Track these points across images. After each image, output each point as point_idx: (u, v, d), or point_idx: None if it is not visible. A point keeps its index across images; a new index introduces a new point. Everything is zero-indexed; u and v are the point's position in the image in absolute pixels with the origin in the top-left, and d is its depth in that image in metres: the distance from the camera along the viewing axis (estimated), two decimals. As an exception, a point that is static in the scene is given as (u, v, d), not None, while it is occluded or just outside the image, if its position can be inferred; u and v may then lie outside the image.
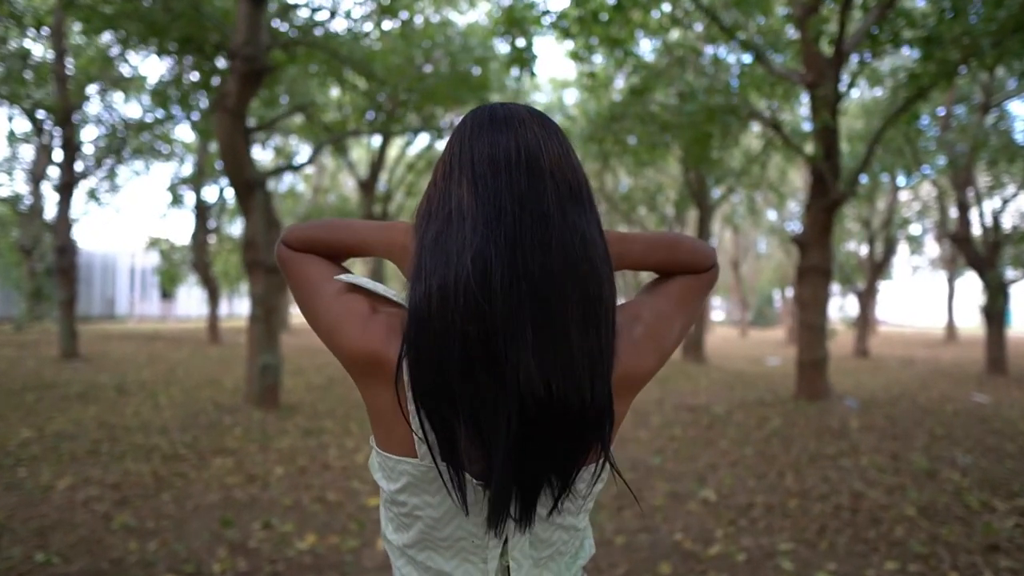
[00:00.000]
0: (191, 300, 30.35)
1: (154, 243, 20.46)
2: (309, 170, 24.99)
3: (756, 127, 11.77)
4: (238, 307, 33.56)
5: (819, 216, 7.41)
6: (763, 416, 6.83)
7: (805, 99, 11.85)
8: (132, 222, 52.05)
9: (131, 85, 13.25)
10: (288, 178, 25.33)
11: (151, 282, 29.18)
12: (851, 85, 7.73)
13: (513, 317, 0.73)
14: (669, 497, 4.17)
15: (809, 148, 7.58)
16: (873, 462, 4.89)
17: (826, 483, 4.37)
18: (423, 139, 15.23)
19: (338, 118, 12.82)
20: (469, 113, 0.88)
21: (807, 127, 9.80)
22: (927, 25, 6.49)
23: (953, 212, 14.83)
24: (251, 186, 7.31)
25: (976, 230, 13.13)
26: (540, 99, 15.23)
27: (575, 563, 0.90)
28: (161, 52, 9.29)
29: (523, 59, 8.55)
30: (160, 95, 9.95)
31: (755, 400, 8.09)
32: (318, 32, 9.46)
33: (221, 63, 8.58)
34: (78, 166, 14.09)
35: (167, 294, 29.91)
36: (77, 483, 4.54)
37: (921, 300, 42.58)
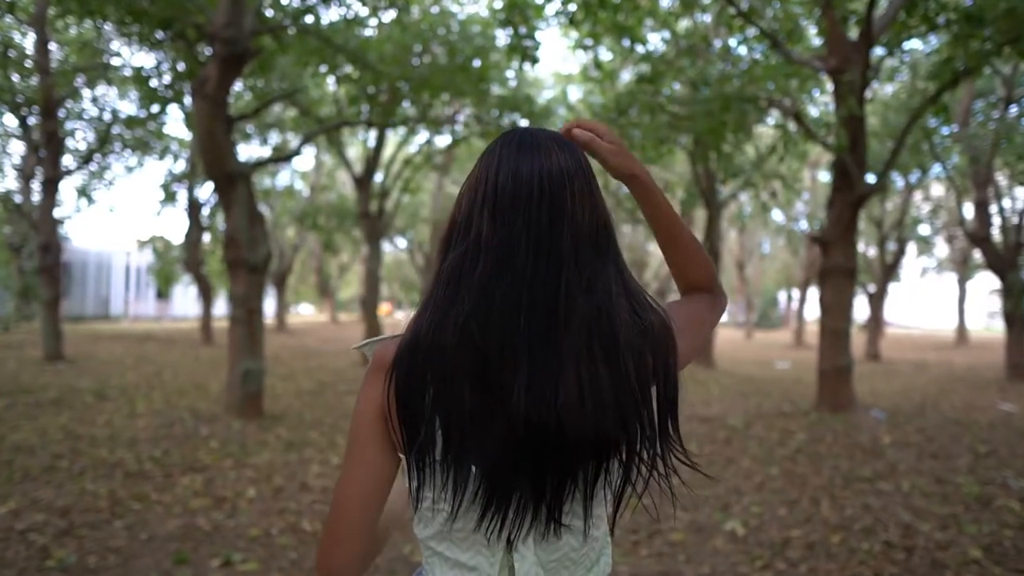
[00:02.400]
0: (187, 300, 29.86)
1: (146, 243, 19.95)
2: (307, 168, 24.55)
3: (770, 120, 11.28)
4: (235, 307, 33.02)
5: (843, 212, 6.88)
6: (785, 429, 6.30)
7: (817, 92, 11.39)
8: (128, 220, 51.51)
9: (117, 77, 12.72)
10: (286, 176, 24.88)
11: (147, 281, 28.70)
12: (872, 77, 7.20)
13: (508, 350, 0.79)
14: (690, 530, 3.65)
15: (831, 139, 7.05)
16: (916, 486, 4.37)
17: (868, 513, 3.84)
18: (420, 135, 14.72)
19: (332, 113, 12.32)
20: (499, 137, 0.91)
21: (818, 119, 9.27)
22: (962, 6, 5.97)
23: (967, 212, 14.26)
24: (232, 178, 6.80)
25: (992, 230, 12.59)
26: (543, 94, 14.70)
27: (588, 575, 0.92)
28: (142, 39, 8.80)
29: (524, 49, 8.05)
30: (142, 82, 9.43)
31: (774, 411, 7.56)
32: (310, 18, 8.95)
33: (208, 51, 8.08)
34: (64, 161, 13.65)
35: (162, 294, 29.43)
36: (22, 507, 4.03)
37: (928, 302, 42.04)
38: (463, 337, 0.79)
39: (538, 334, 0.79)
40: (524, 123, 10.51)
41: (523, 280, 0.80)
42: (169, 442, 5.86)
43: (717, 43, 10.83)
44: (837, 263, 6.94)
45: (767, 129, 13.67)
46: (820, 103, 11.66)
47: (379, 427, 0.87)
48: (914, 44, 12.64)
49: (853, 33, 6.69)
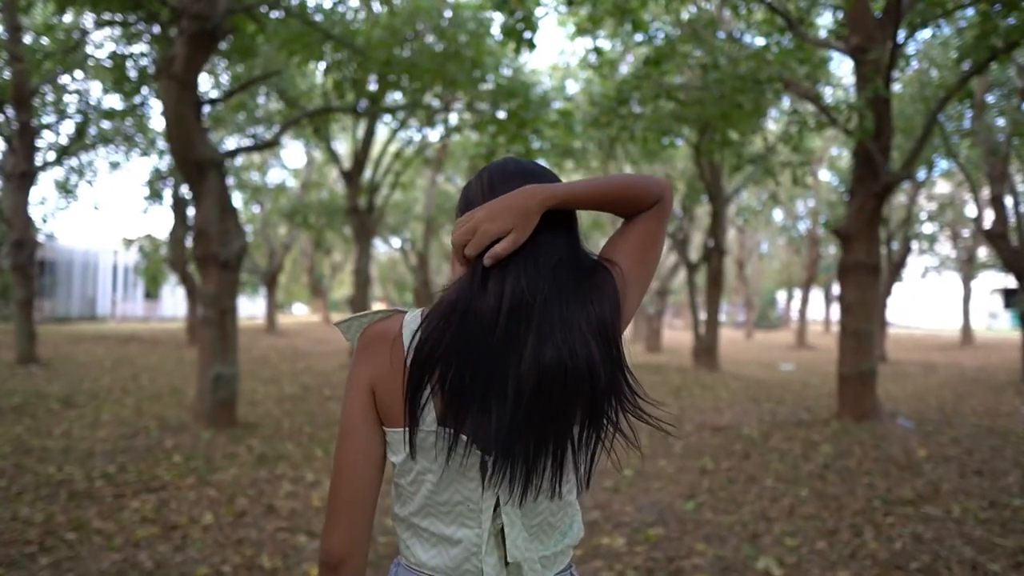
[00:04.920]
0: (176, 300, 29.20)
1: (131, 242, 19.32)
2: (298, 165, 23.90)
3: (774, 112, 10.74)
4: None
5: (866, 203, 6.34)
6: (807, 441, 5.75)
7: (822, 84, 10.84)
8: (115, 218, 50.64)
9: (94, 68, 12.12)
10: (279, 173, 24.23)
11: (135, 281, 28.04)
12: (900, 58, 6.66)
13: (536, 314, 0.88)
14: (716, 569, 3.09)
15: (851, 124, 6.51)
16: (968, 511, 3.83)
17: (922, 546, 3.30)
18: (411, 129, 14.14)
19: (319, 105, 11.75)
20: (486, 167, 1.04)
21: (835, 104, 8.74)
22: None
23: (980, 208, 13.74)
24: (202, 167, 6.24)
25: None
26: (539, 86, 14.13)
27: (563, 540, 0.98)
28: (112, 24, 8.24)
29: (520, 32, 7.50)
30: (120, 68, 8.84)
31: (791, 419, 7.01)
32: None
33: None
34: (41, 155, 13.07)
35: (151, 293, 28.78)
36: (-63, 538, 3.47)
37: (928, 302, 41.62)
38: (498, 304, 0.88)
39: (559, 303, 0.89)
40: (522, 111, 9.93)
41: (548, 268, 0.92)
42: (128, 456, 5.30)
43: (721, 35, 10.32)
44: (859, 259, 6.40)
45: (775, 120, 13.16)
46: (826, 93, 11.15)
47: (368, 401, 0.93)
48: (926, 33, 12.15)
49: (878, 5, 6.17)
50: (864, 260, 6.40)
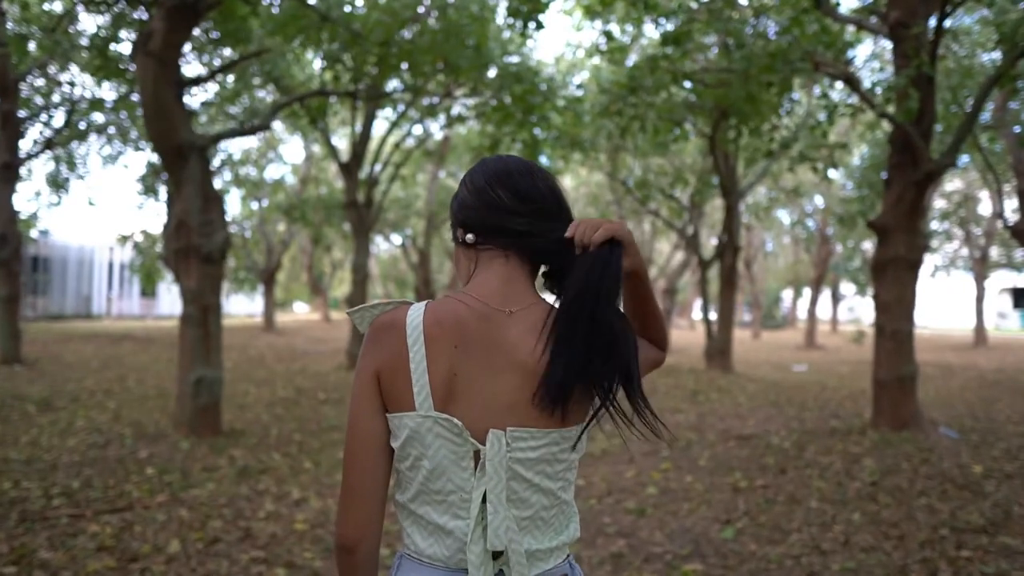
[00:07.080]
0: (173, 297, 28.71)
1: (126, 239, 18.81)
2: (297, 160, 23.38)
3: (792, 96, 10.20)
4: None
5: (905, 193, 5.81)
6: (846, 453, 5.22)
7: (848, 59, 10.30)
8: (110, 214, 50.13)
9: (80, 57, 11.62)
10: (277, 168, 23.70)
11: (131, 278, 27.56)
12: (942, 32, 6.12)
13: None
14: (772, 618, 2.58)
15: (890, 107, 5.99)
16: (1052, 541, 3.31)
17: (1012, 589, 2.80)
18: (411, 121, 13.61)
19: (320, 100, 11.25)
20: (468, 173, 1.10)
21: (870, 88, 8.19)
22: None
23: (988, 206, 13.23)
24: (183, 152, 5.73)
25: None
26: (547, 72, 13.60)
27: (558, 537, 1.00)
28: (92, 6, 7.75)
29: (527, 14, 6.99)
30: (102, 51, 8.34)
31: (821, 427, 6.48)
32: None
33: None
34: (31, 148, 12.58)
35: (147, 291, 28.31)
36: None
37: (935, 301, 41.07)
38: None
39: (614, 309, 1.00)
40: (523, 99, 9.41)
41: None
42: (96, 468, 4.80)
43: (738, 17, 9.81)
44: (897, 253, 5.87)
45: (789, 112, 12.63)
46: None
47: (374, 389, 0.97)
48: (946, 23, 11.61)
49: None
50: (903, 255, 5.88)
